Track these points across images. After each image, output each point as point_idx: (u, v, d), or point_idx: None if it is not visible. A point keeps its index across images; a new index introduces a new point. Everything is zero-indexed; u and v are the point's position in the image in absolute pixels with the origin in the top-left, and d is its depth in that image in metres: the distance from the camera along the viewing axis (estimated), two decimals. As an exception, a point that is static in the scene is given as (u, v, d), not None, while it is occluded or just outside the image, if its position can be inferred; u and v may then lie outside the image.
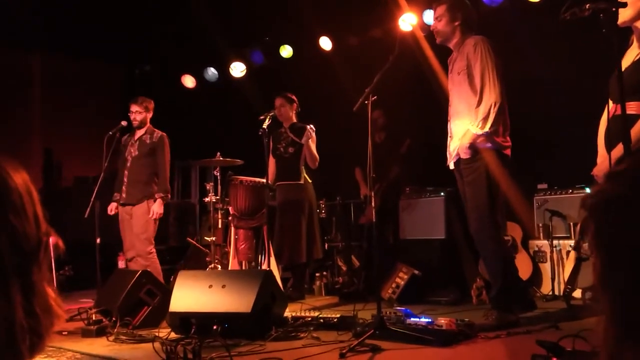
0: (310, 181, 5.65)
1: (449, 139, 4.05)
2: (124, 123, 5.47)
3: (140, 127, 5.53)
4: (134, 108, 5.49)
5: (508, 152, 3.88)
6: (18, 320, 0.81)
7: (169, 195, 5.54)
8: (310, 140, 5.36)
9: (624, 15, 2.76)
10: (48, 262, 0.89)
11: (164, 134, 5.53)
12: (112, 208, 5.50)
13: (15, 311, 0.81)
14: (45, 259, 0.88)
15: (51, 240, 0.92)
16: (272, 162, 5.68)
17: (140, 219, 5.33)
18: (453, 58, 4.04)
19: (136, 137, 5.54)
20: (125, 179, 5.48)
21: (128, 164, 5.49)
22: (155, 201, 5.33)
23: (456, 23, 3.96)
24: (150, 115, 5.57)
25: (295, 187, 5.55)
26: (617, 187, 0.83)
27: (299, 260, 5.46)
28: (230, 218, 5.40)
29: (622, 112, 2.38)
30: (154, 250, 5.38)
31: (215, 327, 3.64)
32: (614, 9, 2.45)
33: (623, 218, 0.81)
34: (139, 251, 5.31)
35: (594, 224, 0.84)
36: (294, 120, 5.71)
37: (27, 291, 0.83)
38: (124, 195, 5.44)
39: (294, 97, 5.73)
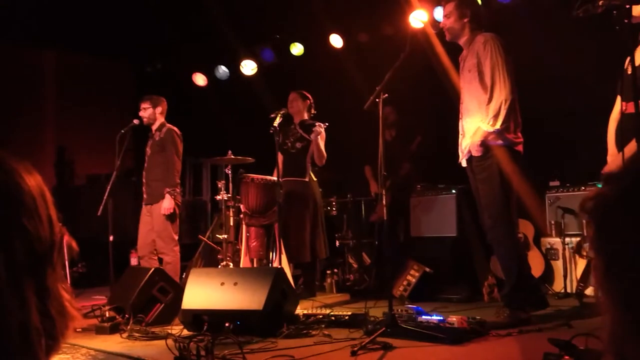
0: (315, 179, 5.62)
1: (460, 136, 4.05)
2: (135, 122, 5.49)
3: (151, 123, 5.56)
4: (142, 105, 5.55)
5: (520, 148, 3.87)
6: (33, 323, 0.81)
7: (178, 189, 5.47)
8: (319, 137, 5.34)
9: (636, 12, 2.74)
10: (62, 263, 0.90)
11: (174, 128, 5.52)
12: None
13: (31, 314, 0.81)
14: (59, 260, 0.89)
15: (65, 241, 0.94)
16: (280, 158, 5.69)
17: (160, 218, 5.33)
18: (464, 56, 4.03)
19: (151, 135, 5.60)
20: (144, 179, 5.53)
21: (145, 164, 5.55)
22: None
23: (465, 20, 3.95)
24: (159, 110, 5.56)
25: (300, 183, 5.53)
26: (614, 190, 0.84)
27: (303, 259, 5.44)
28: (241, 216, 5.41)
29: (636, 110, 2.37)
30: (177, 247, 5.38)
31: (227, 325, 3.67)
32: (627, 6, 2.44)
33: (619, 220, 0.81)
34: (162, 249, 5.31)
35: (593, 227, 0.86)
36: (305, 117, 5.70)
37: (42, 293, 0.84)
38: (145, 195, 5.49)
39: (308, 95, 5.72)
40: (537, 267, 5.01)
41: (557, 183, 5.40)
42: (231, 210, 5.49)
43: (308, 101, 5.69)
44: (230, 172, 5.46)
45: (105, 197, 5.15)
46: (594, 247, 0.86)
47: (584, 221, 5.00)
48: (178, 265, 5.36)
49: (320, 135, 5.30)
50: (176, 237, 5.40)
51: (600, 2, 2.56)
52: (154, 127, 5.57)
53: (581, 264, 4.63)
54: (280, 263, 4.81)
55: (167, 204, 5.30)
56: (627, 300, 0.80)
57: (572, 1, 2.79)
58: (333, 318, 3.95)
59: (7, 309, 0.78)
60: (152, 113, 5.53)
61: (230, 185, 5.45)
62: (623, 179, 0.84)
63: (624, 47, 2.53)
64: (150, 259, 5.37)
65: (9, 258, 0.80)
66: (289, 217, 5.43)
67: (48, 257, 0.86)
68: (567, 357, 2.45)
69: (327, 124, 5.24)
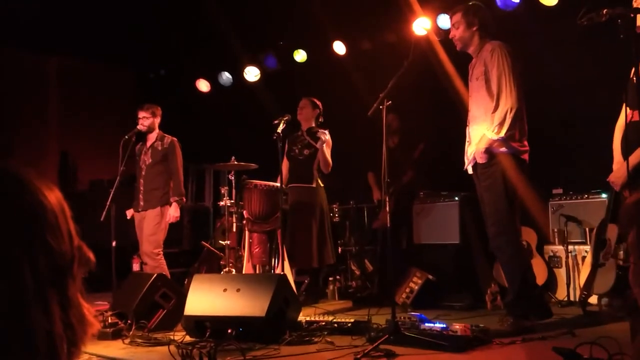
0: (322, 185, 5.64)
1: (466, 143, 4.05)
2: (139, 127, 5.53)
3: (149, 132, 5.60)
4: (141, 114, 5.58)
5: (525, 156, 3.86)
6: (57, 332, 0.87)
7: (184, 199, 5.59)
8: (325, 145, 5.36)
9: (641, 20, 2.74)
10: (81, 274, 0.96)
11: (174, 138, 5.60)
12: (130, 213, 5.60)
13: (55, 323, 0.87)
14: (79, 272, 0.94)
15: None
16: (285, 165, 5.69)
17: (151, 222, 5.39)
18: (473, 64, 4.03)
19: (148, 144, 5.61)
20: (142, 187, 5.54)
21: (143, 173, 5.56)
22: (170, 205, 5.39)
23: (474, 28, 3.95)
24: (157, 120, 5.63)
25: (307, 190, 5.54)
26: None
27: (310, 264, 5.45)
28: (244, 222, 5.41)
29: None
30: (161, 252, 5.43)
31: (229, 331, 3.66)
32: (631, 15, 2.44)
33: None
34: (146, 251, 5.38)
35: (638, 232, 0.86)
36: (312, 124, 5.71)
37: (64, 304, 0.90)
38: (141, 203, 5.50)
39: (318, 103, 5.72)
40: (540, 275, 4.99)
41: (560, 191, 5.39)
42: (234, 216, 5.49)
43: (317, 110, 5.70)
44: (233, 178, 5.47)
45: (108, 203, 5.16)
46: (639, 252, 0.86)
47: (586, 229, 4.99)
48: (165, 269, 5.35)
49: (326, 143, 5.33)
50: (161, 243, 5.44)
51: (605, 11, 2.57)
52: (153, 136, 5.61)
53: (584, 272, 4.61)
54: (282, 269, 4.81)
55: (175, 212, 5.40)
56: None
57: (576, 10, 2.80)
58: (336, 325, 3.94)
59: (34, 319, 0.84)
60: (152, 122, 5.58)
61: (233, 191, 5.45)
62: None
63: (628, 55, 2.53)
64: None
65: (35, 272, 0.86)
66: (295, 224, 5.45)
67: (69, 269, 0.92)
68: (571, 366, 2.44)
69: (326, 130, 5.29)
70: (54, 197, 0.93)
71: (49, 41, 8.12)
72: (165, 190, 5.45)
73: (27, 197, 0.89)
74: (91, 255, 0.98)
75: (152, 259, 5.35)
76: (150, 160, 5.54)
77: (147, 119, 5.55)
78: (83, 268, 0.96)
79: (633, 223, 0.87)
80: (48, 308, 0.86)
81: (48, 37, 7.95)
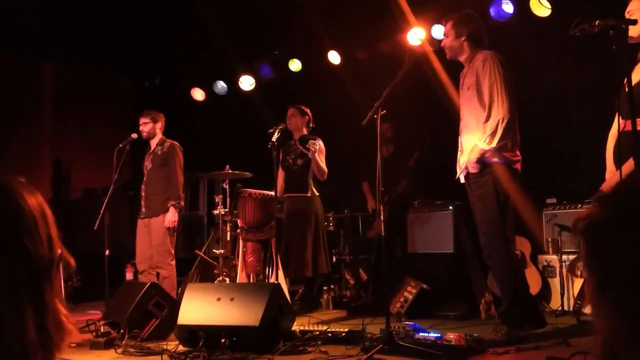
0: (317, 194, 5.64)
1: (459, 152, 4.06)
2: (134, 135, 5.52)
3: (150, 137, 5.59)
4: (142, 120, 5.60)
5: (518, 166, 3.87)
6: (29, 337, 0.85)
7: (182, 202, 5.52)
8: (317, 154, 5.35)
9: (633, 32, 2.76)
10: (59, 279, 0.94)
11: (176, 142, 5.58)
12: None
13: (27, 328, 0.85)
14: (57, 277, 0.93)
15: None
16: (281, 174, 5.69)
17: (159, 232, 5.34)
18: (464, 73, 4.05)
19: (150, 150, 5.61)
20: (143, 193, 5.53)
21: (144, 178, 5.55)
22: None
23: (462, 39, 3.98)
24: (159, 125, 5.62)
25: (302, 199, 5.55)
26: (603, 211, 0.87)
27: (303, 274, 5.43)
28: (238, 230, 5.40)
29: (633, 128, 2.38)
30: (174, 262, 5.39)
31: (223, 340, 3.64)
32: (623, 26, 2.46)
33: (611, 239, 0.85)
34: (159, 263, 5.31)
35: (586, 246, 0.89)
36: (304, 132, 5.72)
37: (40, 309, 0.88)
38: (143, 209, 5.47)
39: (307, 110, 5.74)
40: (534, 284, 5.00)
41: (554, 200, 5.41)
42: (228, 225, 5.48)
43: (307, 117, 5.72)
44: (227, 186, 5.46)
45: (101, 211, 5.13)
46: (587, 265, 0.89)
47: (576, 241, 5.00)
48: (175, 279, 5.34)
49: (317, 152, 5.32)
50: (172, 251, 5.39)
51: (597, 22, 2.59)
52: (154, 142, 5.60)
53: (578, 281, 4.62)
54: (277, 278, 4.79)
55: (172, 216, 5.34)
56: (620, 314, 0.83)
57: (569, 20, 2.82)
58: (330, 334, 3.92)
59: (5, 323, 0.83)
60: (152, 128, 5.57)
61: (228, 200, 5.44)
62: (613, 200, 0.89)
63: (620, 65, 2.55)
64: (150, 273, 5.35)
65: (9, 276, 0.84)
66: (291, 233, 5.44)
67: (47, 274, 0.90)
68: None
69: (318, 138, 5.30)
70: (34, 201, 0.92)
71: (44, 48, 8.11)
72: (167, 195, 5.40)
73: (6, 201, 0.88)
74: (72, 261, 0.97)
75: (164, 268, 5.29)
76: (151, 166, 5.53)
77: (147, 124, 5.55)
78: (62, 273, 0.95)
79: (580, 238, 0.89)
80: (21, 313, 0.85)
81: (43, 44, 7.94)
